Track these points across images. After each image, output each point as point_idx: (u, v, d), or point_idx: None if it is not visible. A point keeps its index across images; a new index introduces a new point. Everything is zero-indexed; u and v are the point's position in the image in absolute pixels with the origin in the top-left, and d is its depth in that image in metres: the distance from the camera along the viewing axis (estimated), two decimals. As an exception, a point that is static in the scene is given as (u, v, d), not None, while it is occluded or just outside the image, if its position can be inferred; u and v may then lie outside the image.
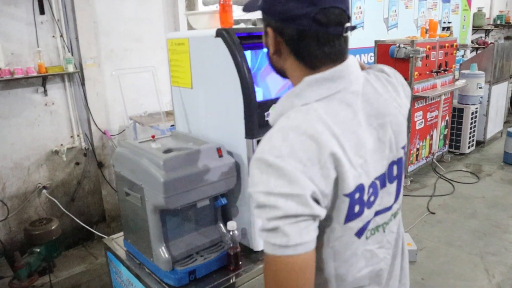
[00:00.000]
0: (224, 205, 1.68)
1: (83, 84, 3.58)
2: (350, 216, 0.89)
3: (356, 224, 0.92)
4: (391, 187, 1.00)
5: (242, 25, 2.02)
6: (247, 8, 1.03)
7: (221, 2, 1.64)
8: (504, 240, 3.70)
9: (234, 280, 1.61)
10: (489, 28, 9.12)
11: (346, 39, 0.92)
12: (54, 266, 3.03)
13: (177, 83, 1.93)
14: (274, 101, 1.65)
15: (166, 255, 1.55)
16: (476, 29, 8.75)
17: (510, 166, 5.52)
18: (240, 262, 1.65)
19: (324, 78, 0.89)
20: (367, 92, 0.95)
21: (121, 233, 1.93)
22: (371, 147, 0.92)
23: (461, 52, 6.20)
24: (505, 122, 7.13)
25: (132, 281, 1.74)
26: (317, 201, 0.82)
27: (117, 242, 1.94)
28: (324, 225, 0.89)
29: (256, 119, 1.59)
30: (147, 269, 1.68)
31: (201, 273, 1.59)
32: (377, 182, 0.94)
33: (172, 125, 2.29)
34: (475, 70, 5.80)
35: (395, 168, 1.00)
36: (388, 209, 1.01)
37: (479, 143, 6.28)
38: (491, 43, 7.97)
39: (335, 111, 0.88)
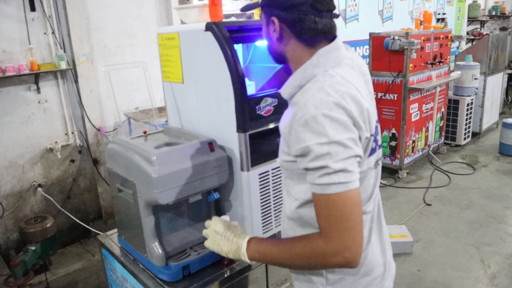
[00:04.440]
0: (217, 200, 1.68)
1: (76, 81, 3.56)
2: (371, 151, 1.12)
3: (374, 158, 1.15)
4: (379, 128, 1.23)
5: (233, 19, 2.01)
6: (246, 8, 1.26)
7: (211, -4, 1.63)
8: (499, 231, 3.71)
9: (227, 274, 1.61)
10: (484, 19, 9.11)
11: (335, 23, 1.13)
12: (51, 263, 3.02)
13: (168, 78, 1.92)
14: (267, 95, 1.65)
15: (160, 251, 1.54)
16: (471, 20, 8.74)
17: (506, 157, 5.54)
18: (234, 257, 1.65)
19: (332, 48, 1.10)
20: (352, 57, 1.16)
21: (116, 230, 1.93)
22: (369, 98, 1.14)
23: (456, 44, 6.20)
24: (500, 113, 7.14)
25: (126, 277, 1.74)
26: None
27: (112, 238, 1.94)
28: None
29: (248, 113, 1.59)
30: (141, 265, 1.68)
31: (195, 268, 1.59)
32: (377, 124, 1.17)
33: (167, 121, 2.28)
34: (470, 61, 5.80)
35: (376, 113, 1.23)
36: (381, 146, 1.24)
37: (475, 135, 6.29)
38: (486, 34, 7.97)
39: (348, 73, 1.08)
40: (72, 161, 3.72)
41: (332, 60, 1.09)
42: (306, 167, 1.00)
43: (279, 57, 1.20)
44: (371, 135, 1.08)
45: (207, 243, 1.27)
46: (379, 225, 1.25)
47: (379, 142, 1.20)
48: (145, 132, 1.79)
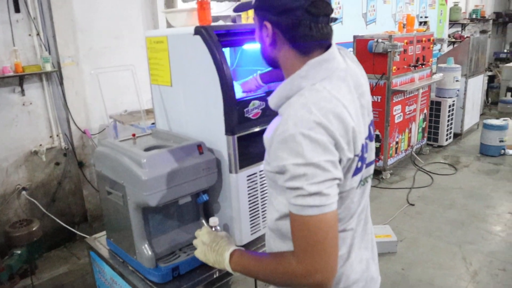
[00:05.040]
0: (206, 202, 1.69)
1: (61, 83, 3.53)
2: (356, 171, 1.06)
3: (358, 177, 1.09)
4: (372, 145, 1.19)
5: (221, 22, 2.03)
6: (239, 9, 1.20)
7: (199, 0, 1.65)
8: (480, 229, 3.81)
9: (217, 275, 1.63)
10: (465, 22, 9.30)
11: (331, 28, 1.07)
12: (36, 268, 2.99)
13: (156, 81, 1.93)
14: (255, 98, 1.68)
15: (150, 252, 1.56)
16: (452, 23, 8.91)
17: (486, 157, 5.68)
18: (223, 257, 1.67)
19: (323, 60, 1.04)
20: (348, 67, 1.10)
21: (104, 233, 1.94)
22: (359, 113, 1.08)
23: (438, 46, 6.30)
24: (481, 114, 7.30)
25: (115, 279, 1.75)
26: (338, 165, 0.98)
27: (100, 241, 1.94)
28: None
29: (236, 116, 1.61)
30: (131, 267, 1.68)
31: (184, 269, 1.60)
32: (366, 141, 1.12)
33: (153, 123, 2.28)
34: (451, 63, 5.92)
35: (371, 128, 1.18)
36: (372, 163, 1.20)
37: (457, 135, 6.42)
38: (467, 37, 8.14)
39: (338, 86, 1.03)
40: (57, 164, 3.69)
41: (322, 72, 1.04)
42: (283, 185, 0.98)
43: (272, 62, 1.15)
44: (356, 155, 1.03)
45: (196, 253, 1.29)
46: (363, 240, 1.21)
47: (368, 160, 1.16)
48: (134, 135, 1.80)
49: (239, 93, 1.88)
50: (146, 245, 1.57)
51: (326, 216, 0.95)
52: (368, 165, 1.17)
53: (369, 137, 1.15)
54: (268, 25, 1.06)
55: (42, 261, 3.40)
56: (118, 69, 3.23)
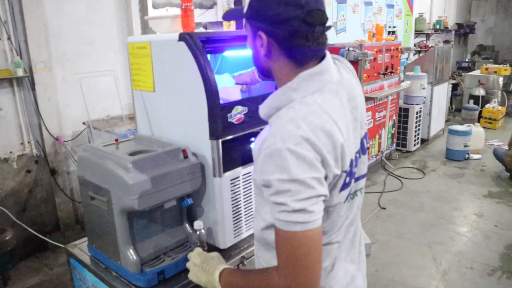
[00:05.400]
0: (190, 205, 1.71)
1: (33, 89, 3.45)
2: (343, 186, 1.05)
3: (346, 192, 1.08)
4: (364, 158, 1.18)
5: (201, 29, 2.06)
6: (228, 17, 1.17)
7: (183, 7, 1.68)
8: (449, 230, 3.96)
9: (202, 278, 1.64)
10: (429, 32, 9.67)
11: (326, 37, 1.06)
12: (9, 278, 2.90)
13: (139, 86, 1.93)
14: (238, 103, 1.72)
15: (134, 257, 1.56)
16: (418, 33, 9.24)
17: (452, 161, 5.91)
18: (208, 261, 1.68)
19: (315, 72, 1.03)
20: (342, 79, 1.09)
21: (84, 239, 1.92)
22: (351, 127, 1.07)
23: (406, 55, 6.52)
24: (446, 121, 7.60)
25: (98, 286, 1.73)
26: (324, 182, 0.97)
27: (81, 248, 1.91)
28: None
29: (220, 121, 1.64)
30: (114, 273, 1.67)
31: (169, 273, 1.61)
32: (357, 155, 1.11)
33: (129, 129, 2.28)
34: (418, 72, 6.15)
35: (364, 142, 1.17)
36: (363, 176, 1.20)
37: (424, 141, 6.66)
38: (431, 46, 8.46)
39: (329, 100, 1.02)
40: (28, 171, 3.59)
41: (314, 85, 1.02)
42: (268, 199, 0.98)
43: (265, 72, 1.13)
44: (344, 171, 1.02)
45: (189, 276, 1.30)
46: (350, 253, 1.20)
47: (358, 174, 1.14)
48: (116, 140, 1.79)
49: (232, 84, 1.90)
50: (131, 250, 1.56)
51: (309, 232, 0.94)
52: (358, 179, 1.16)
53: (361, 151, 1.14)
54: (263, 35, 1.04)
55: (12, 272, 3.30)
56: (101, 74, 3.20)
